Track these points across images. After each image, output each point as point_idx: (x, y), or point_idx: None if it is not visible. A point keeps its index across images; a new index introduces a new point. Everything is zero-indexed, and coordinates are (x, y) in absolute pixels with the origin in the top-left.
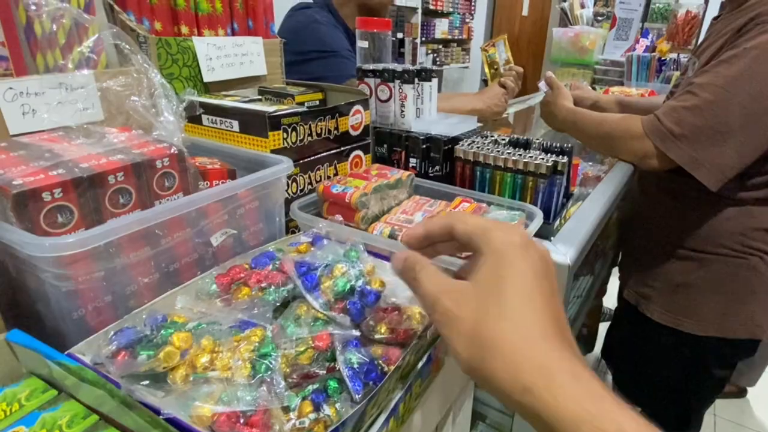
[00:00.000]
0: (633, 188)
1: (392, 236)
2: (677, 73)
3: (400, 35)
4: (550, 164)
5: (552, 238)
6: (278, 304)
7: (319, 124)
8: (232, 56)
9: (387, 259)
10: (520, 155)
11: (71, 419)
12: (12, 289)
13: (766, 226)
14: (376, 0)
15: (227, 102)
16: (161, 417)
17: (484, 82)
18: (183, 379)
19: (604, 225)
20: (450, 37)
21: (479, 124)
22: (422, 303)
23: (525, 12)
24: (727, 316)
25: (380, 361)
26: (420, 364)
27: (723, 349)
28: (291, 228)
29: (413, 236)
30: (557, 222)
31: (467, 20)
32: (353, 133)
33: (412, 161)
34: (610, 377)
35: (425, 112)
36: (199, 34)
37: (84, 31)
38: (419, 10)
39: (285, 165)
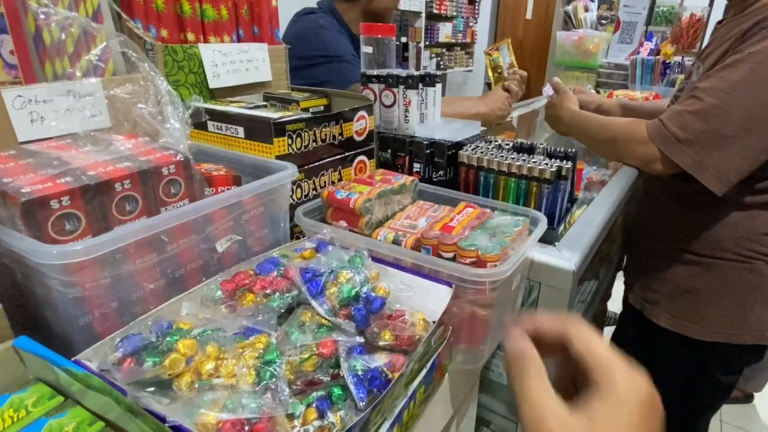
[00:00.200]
0: (638, 192)
1: (396, 242)
2: (681, 77)
3: (404, 39)
4: (554, 169)
5: (556, 243)
6: (283, 310)
7: (323, 129)
8: (237, 62)
9: (391, 265)
10: (524, 160)
11: (77, 426)
12: (20, 296)
13: None
14: (380, 5)
15: (232, 108)
16: (166, 424)
17: (488, 86)
18: (188, 386)
19: (608, 229)
20: (454, 40)
21: (483, 128)
22: (521, 408)
23: (529, 15)
24: (734, 321)
25: (384, 368)
26: (424, 371)
27: (729, 355)
28: (296, 233)
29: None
30: (561, 227)
31: (471, 24)
32: (357, 138)
33: (416, 166)
34: None
35: (429, 117)
36: (205, 40)
37: (92, 40)
38: (423, 14)
39: (290, 171)
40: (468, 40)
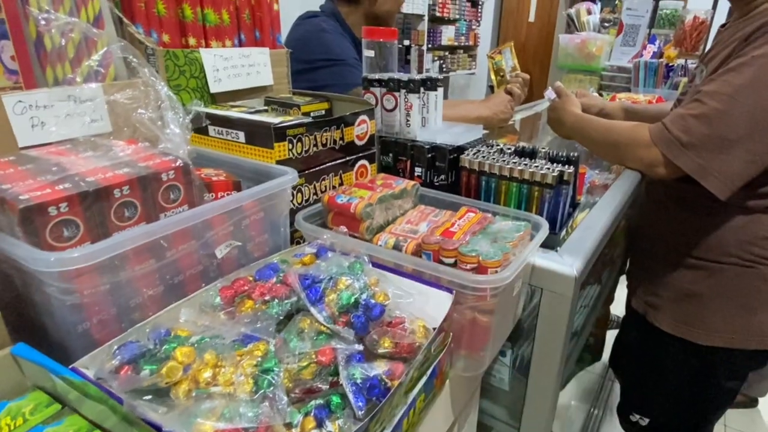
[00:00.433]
0: (641, 196)
1: (397, 247)
2: (685, 80)
3: (406, 42)
4: (556, 174)
5: (558, 248)
6: (282, 317)
7: (324, 134)
8: (239, 67)
9: (392, 270)
10: (526, 165)
11: None
12: (18, 302)
13: None
14: (382, 9)
15: (233, 113)
16: None
17: (491, 89)
18: (185, 395)
19: (611, 234)
20: (456, 43)
21: (485, 132)
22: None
23: (531, 18)
24: (737, 326)
25: (384, 376)
26: (424, 379)
27: (733, 360)
28: (296, 238)
29: None
30: (563, 232)
31: (473, 27)
32: (359, 143)
33: (418, 170)
34: (617, 386)
35: (431, 121)
36: (207, 45)
37: (93, 45)
38: (426, 18)
39: (290, 176)
40: (471, 43)
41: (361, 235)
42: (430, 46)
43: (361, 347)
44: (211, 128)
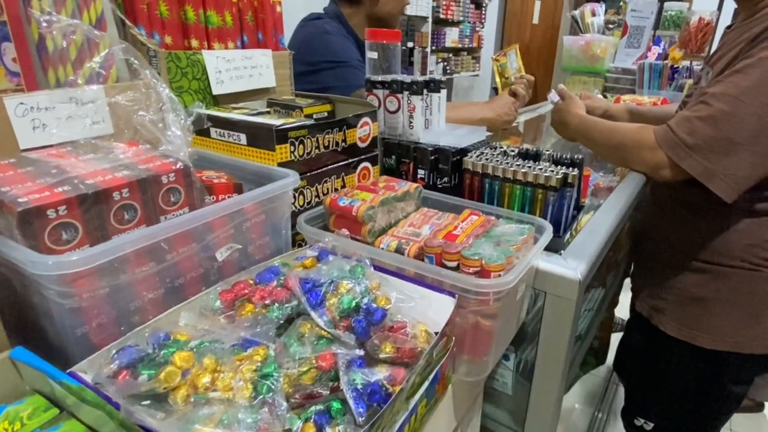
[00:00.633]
0: (645, 199)
1: (399, 250)
2: (690, 81)
3: (410, 44)
4: (560, 177)
5: (562, 251)
6: (282, 321)
7: (326, 136)
8: (241, 69)
9: (393, 274)
10: (530, 167)
11: None
12: (17, 306)
13: None
14: (383, 10)
15: (235, 115)
16: None
17: (494, 91)
18: (184, 400)
19: (615, 237)
20: (460, 45)
21: (489, 133)
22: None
23: (535, 20)
24: (743, 330)
25: (385, 382)
26: (426, 384)
27: (739, 364)
28: (298, 241)
29: None
30: (567, 235)
31: (477, 29)
32: (361, 145)
33: (421, 172)
34: (622, 390)
35: (434, 123)
36: (209, 47)
37: (95, 47)
38: (429, 19)
39: (292, 179)
40: (474, 44)
41: (363, 238)
42: (433, 47)
43: (362, 352)
44: (212, 130)
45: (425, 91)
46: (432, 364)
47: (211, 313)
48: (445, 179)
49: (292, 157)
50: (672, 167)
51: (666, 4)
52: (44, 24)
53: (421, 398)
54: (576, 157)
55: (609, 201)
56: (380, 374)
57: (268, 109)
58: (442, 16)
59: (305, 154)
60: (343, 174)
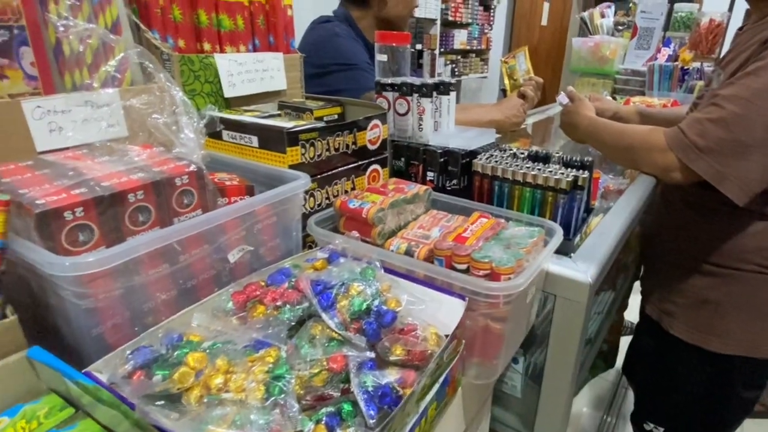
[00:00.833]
0: (656, 201)
1: (408, 252)
2: (701, 83)
3: (419, 46)
4: (570, 179)
5: (572, 254)
6: (293, 323)
7: (337, 139)
8: (252, 72)
9: (403, 276)
10: (540, 170)
11: None
12: (34, 306)
13: None
14: (392, 12)
15: (246, 118)
16: None
17: (503, 92)
18: (197, 401)
19: (625, 239)
20: (469, 47)
21: (498, 135)
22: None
23: (544, 22)
24: (754, 334)
25: (395, 385)
26: (436, 387)
27: (751, 369)
28: (308, 243)
29: None
30: (577, 238)
31: (486, 31)
32: (371, 147)
33: (430, 175)
34: (631, 393)
35: (443, 126)
36: (221, 50)
37: (110, 51)
38: (438, 22)
39: (303, 181)
40: (483, 46)
41: (373, 240)
42: (442, 50)
43: (372, 354)
44: (224, 133)
45: (435, 94)
46: (442, 366)
47: (223, 314)
48: (455, 181)
49: (303, 160)
50: (683, 170)
51: (676, 6)
52: (61, 28)
53: (432, 401)
54: (586, 159)
55: (619, 203)
56: (391, 376)
57: (279, 112)
58: (450, 18)
59: (316, 157)
60: (353, 176)
